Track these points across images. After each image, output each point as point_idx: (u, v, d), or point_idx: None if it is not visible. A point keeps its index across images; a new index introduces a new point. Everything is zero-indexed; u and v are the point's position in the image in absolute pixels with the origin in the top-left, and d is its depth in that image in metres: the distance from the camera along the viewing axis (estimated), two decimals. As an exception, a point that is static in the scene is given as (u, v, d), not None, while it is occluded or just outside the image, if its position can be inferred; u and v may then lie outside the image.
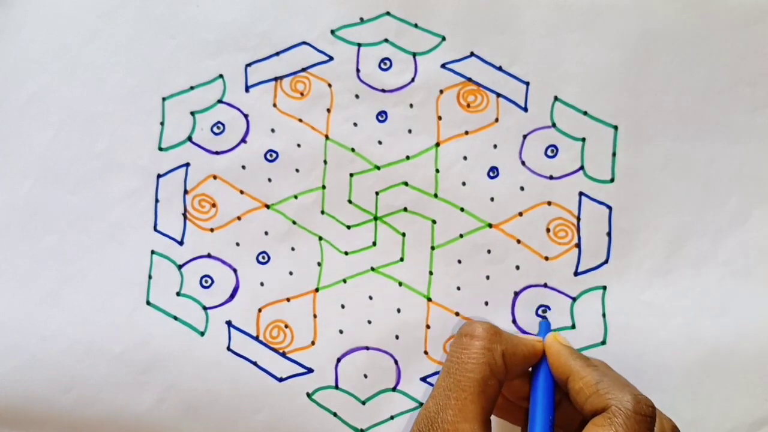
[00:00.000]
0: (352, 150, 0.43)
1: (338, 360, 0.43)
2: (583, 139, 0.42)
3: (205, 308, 0.44)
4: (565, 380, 0.37)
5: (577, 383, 0.36)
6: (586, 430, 0.34)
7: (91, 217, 0.44)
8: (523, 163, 0.42)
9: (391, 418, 0.42)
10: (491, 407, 0.36)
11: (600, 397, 0.35)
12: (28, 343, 0.44)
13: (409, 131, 0.43)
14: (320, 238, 0.43)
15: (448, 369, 0.36)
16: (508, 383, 0.39)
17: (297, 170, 0.43)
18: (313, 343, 0.43)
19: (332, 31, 0.43)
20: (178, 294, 0.44)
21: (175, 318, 0.44)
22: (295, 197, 0.43)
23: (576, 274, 0.42)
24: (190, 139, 0.44)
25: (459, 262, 0.42)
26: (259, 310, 0.44)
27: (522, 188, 0.42)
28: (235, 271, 0.44)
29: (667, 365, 0.41)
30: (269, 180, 0.43)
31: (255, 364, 0.43)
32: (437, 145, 0.43)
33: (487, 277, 0.42)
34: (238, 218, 0.44)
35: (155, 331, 0.44)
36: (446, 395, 0.35)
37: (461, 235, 0.42)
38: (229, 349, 0.44)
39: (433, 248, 0.43)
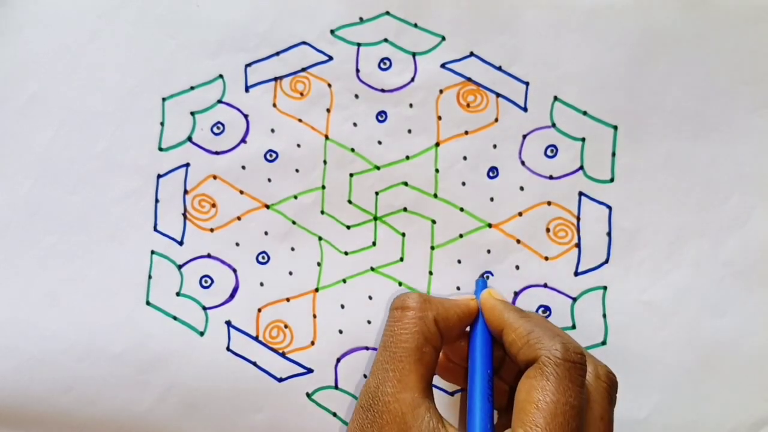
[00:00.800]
0: (352, 150, 0.43)
1: (338, 360, 0.43)
2: (583, 139, 0.42)
3: (204, 308, 0.44)
4: (500, 334, 0.37)
5: (510, 335, 0.36)
6: (520, 383, 0.33)
7: (91, 217, 0.44)
8: (522, 163, 0.42)
9: (391, 418, 0.42)
10: (430, 374, 0.36)
11: (531, 348, 0.34)
12: (28, 343, 0.44)
13: (409, 131, 0.43)
14: (320, 238, 0.43)
15: (384, 343, 0.36)
16: (449, 346, 0.39)
17: (297, 170, 0.43)
18: (312, 343, 0.43)
19: (332, 31, 0.43)
20: (177, 294, 0.44)
21: (175, 318, 0.44)
22: (295, 197, 0.43)
23: (576, 274, 0.42)
24: (190, 139, 0.44)
25: (459, 262, 0.42)
26: (259, 310, 0.44)
27: (522, 188, 0.42)
28: (234, 271, 0.44)
29: (667, 365, 0.41)
30: (269, 180, 0.43)
31: (255, 364, 0.43)
32: (437, 145, 0.43)
33: (487, 277, 0.42)
34: (238, 218, 0.44)
35: (155, 331, 0.44)
36: (384, 368, 0.35)
37: (461, 235, 0.42)
38: (228, 349, 0.44)
39: (432, 248, 0.43)
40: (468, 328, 0.38)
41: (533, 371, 0.33)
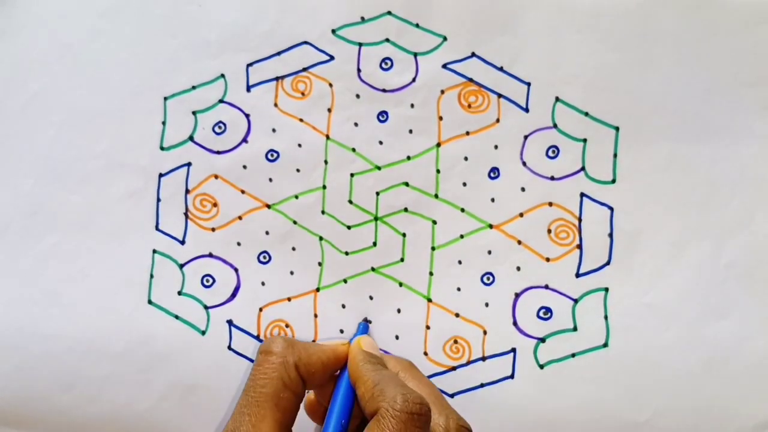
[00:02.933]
0: (353, 150, 0.43)
1: (338, 360, 0.43)
2: (585, 140, 0.41)
3: (206, 307, 0.44)
4: (356, 385, 0.37)
5: (360, 388, 0.36)
6: None
7: (93, 216, 0.44)
8: (524, 163, 0.42)
9: (391, 419, 0.42)
10: (287, 419, 0.36)
11: (374, 400, 0.34)
12: (29, 342, 0.44)
13: (410, 131, 0.43)
14: (321, 238, 0.43)
15: (246, 388, 0.36)
16: (320, 388, 0.39)
17: (298, 170, 0.43)
18: (313, 342, 0.43)
19: (333, 31, 0.42)
20: (179, 293, 0.44)
21: (177, 317, 0.44)
22: (296, 197, 0.43)
23: (577, 275, 0.42)
24: (191, 138, 0.44)
25: (459, 262, 0.42)
26: (260, 310, 0.44)
27: (523, 189, 0.42)
28: (236, 270, 0.44)
29: (669, 368, 0.41)
30: (270, 180, 0.43)
31: (255, 363, 0.43)
32: (438, 145, 0.42)
33: (488, 278, 0.42)
34: (239, 218, 0.44)
35: (157, 330, 0.44)
36: (242, 412, 0.35)
37: (462, 236, 0.42)
38: (230, 348, 0.44)
39: (433, 249, 0.43)
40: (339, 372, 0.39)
41: (373, 423, 0.33)
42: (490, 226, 0.42)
